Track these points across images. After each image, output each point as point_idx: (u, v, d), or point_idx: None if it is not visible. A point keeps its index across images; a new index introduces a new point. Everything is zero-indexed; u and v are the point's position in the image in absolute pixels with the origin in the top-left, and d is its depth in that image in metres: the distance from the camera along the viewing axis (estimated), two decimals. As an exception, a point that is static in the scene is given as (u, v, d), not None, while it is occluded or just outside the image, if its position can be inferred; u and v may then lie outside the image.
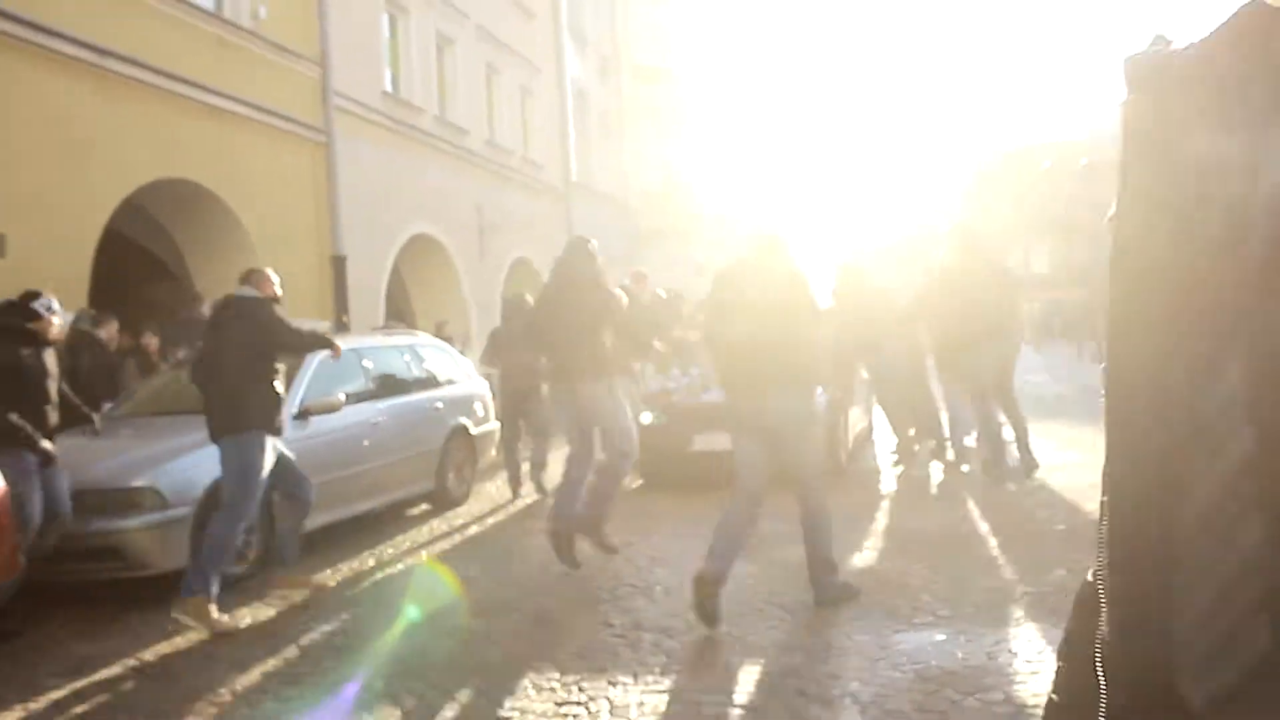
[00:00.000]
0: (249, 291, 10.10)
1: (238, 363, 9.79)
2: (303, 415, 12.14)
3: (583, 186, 36.88)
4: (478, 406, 16.61)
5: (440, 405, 15.56)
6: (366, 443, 13.38)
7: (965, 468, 15.35)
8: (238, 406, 9.73)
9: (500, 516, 14.60)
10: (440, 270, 27.28)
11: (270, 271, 10.39)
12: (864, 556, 10.46)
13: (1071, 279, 74.19)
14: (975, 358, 13.93)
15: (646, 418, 15.65)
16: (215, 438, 9.80)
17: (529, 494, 16.05)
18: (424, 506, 15.58)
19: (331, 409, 12.35)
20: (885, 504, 13.39)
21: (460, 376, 16.62)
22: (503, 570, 11.07)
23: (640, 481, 15.64)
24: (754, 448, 8.72)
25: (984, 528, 11.48)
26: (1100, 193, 55.53)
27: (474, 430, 16.25)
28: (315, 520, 11.81)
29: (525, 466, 16.44)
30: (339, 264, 21.86)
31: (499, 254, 30.12)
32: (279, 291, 10.30)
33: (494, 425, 16.98)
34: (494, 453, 17.04)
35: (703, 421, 15.34)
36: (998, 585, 9.04)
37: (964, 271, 13.96)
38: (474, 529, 13.75)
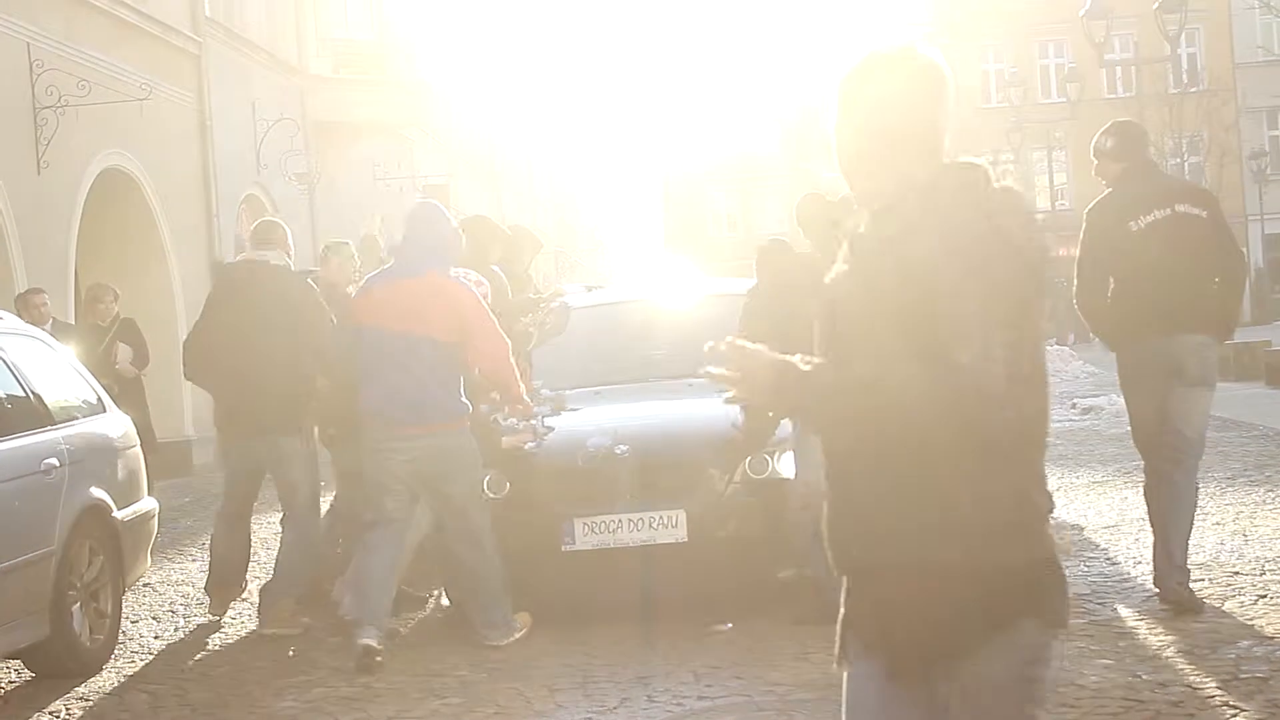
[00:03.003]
0: None
1: None
2: None
3: (224, 29, 23.19)
4: (123, 464, 8.34)
5: (54, 463, 7.38)
6: None
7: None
8: None
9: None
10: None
11: None
12: None
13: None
14: None
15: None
16: None
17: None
18: (17, 675, 7.87)
19: None
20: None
21: (82, 402, 8.32)
22: None
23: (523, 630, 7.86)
24: None
25: None
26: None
27: (119, 514, 7.99)
28: None
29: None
30: None
31: (69, 158, 17.85)
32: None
33: (153, 504, 8.73)
34: (148, 560, 8.77)
35: (589, 492, 8.12)
36: None
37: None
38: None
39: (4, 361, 7.56)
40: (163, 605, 9.55)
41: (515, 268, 11.11)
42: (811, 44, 55.21)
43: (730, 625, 7.68)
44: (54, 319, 13.05)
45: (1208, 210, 7.53)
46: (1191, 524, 7.56)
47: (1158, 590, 7.43)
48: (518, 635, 7.67)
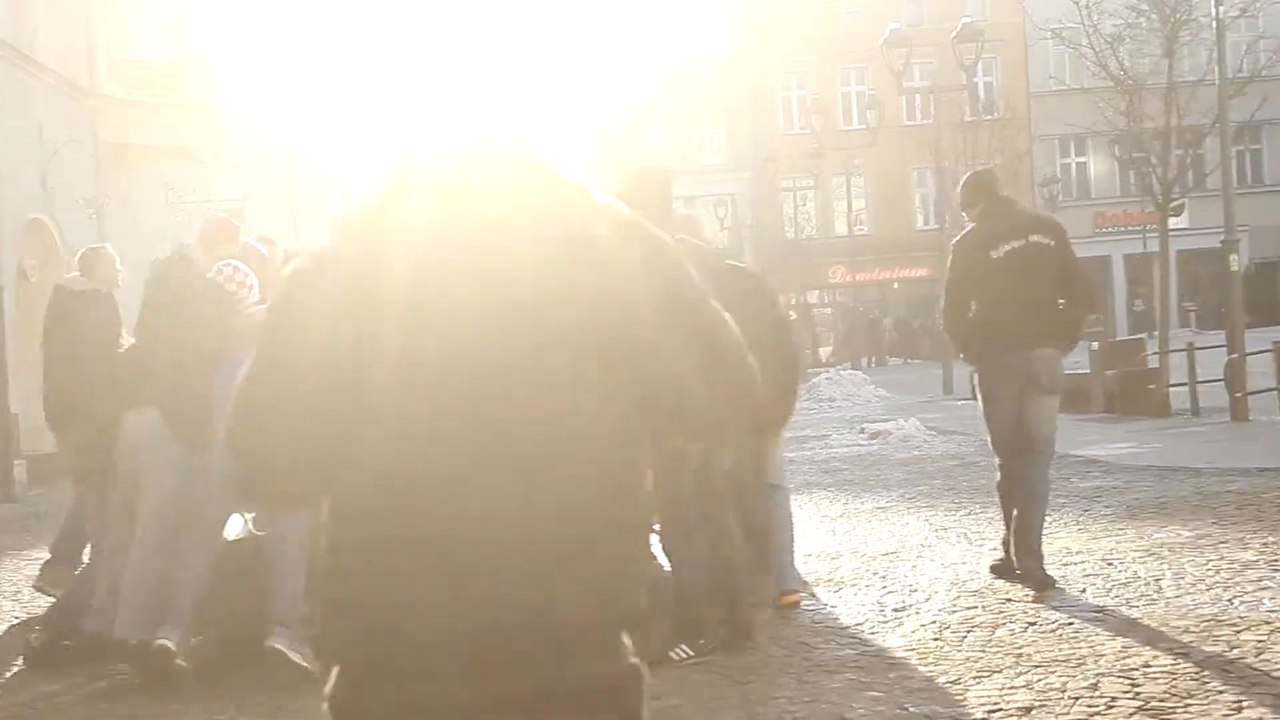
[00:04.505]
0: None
1: None
2: None
3: (6, 46, 22.58)
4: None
5: None
6: None
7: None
8: None
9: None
10: None
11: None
12: None
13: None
14: None
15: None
16: None
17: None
18: None
19: None
20: None
21: None
22: None
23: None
24: None
25: None
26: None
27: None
28: None
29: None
30: None
31: None
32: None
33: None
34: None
35: None
36: None
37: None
38: None
39: None
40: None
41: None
42: (617, 71, 55.10)
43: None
44: None
45: (1056, 240, 8.62)
46: (1044, 515, 8.69)
47: (1018, 571, 8.46)
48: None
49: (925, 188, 55.89)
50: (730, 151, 59.71)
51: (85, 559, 9.28)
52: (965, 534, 10.88)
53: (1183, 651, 6.79)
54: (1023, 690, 6.38)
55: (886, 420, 21.93)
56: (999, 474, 8.81)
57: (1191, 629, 7.22)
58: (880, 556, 10.14)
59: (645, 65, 55.41)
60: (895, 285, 59.69)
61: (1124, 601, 8.00)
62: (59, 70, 24.00)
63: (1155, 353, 24.33)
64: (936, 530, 11.18)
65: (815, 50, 57.49)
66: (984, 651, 7.16)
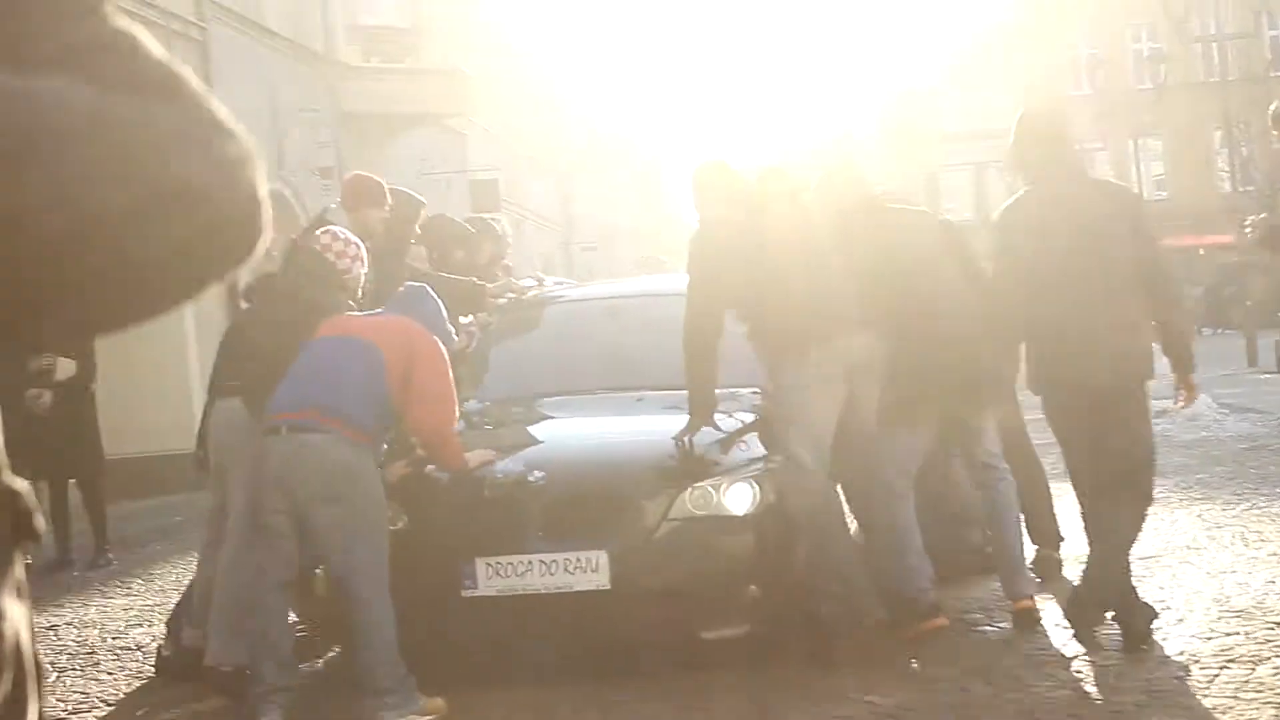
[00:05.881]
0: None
1: None
2: None
3: (234, 15, 21.36)
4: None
5: None
6: None
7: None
8: None
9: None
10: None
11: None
12: None
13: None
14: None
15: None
16: None
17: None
18: None
19: None
20: None
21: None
22: None
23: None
24: None
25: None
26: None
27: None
28: None
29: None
30: None
31: None
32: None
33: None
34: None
35: (492, 525, 6.69)
36: None
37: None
38: None
39: None
40: (50, 653, 8.23)
41: (475, 262, 9.85)
42: (901, 36, 53.68)
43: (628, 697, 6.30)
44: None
45: None
46: None
47: None
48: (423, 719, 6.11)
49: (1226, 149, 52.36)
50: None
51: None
52: (1242, 534, 9.10)
53: None
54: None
55: (1165, 398, 19.72)
56: None
57: None
58: (1135, 561, 8.34)
59: (930, 36, 53.68)
60: (1201, 252, 56.13)
61: None
62: (292, 38, 23.35)
63: None
64: (1209, 529, 9.38)
65: (1100, 6, 54.44)
66: (1236, 698, 5.52)
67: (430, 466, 6.78)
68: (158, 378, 17.45)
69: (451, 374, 6.45)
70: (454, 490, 6.76)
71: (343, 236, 6.83)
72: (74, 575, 10.91)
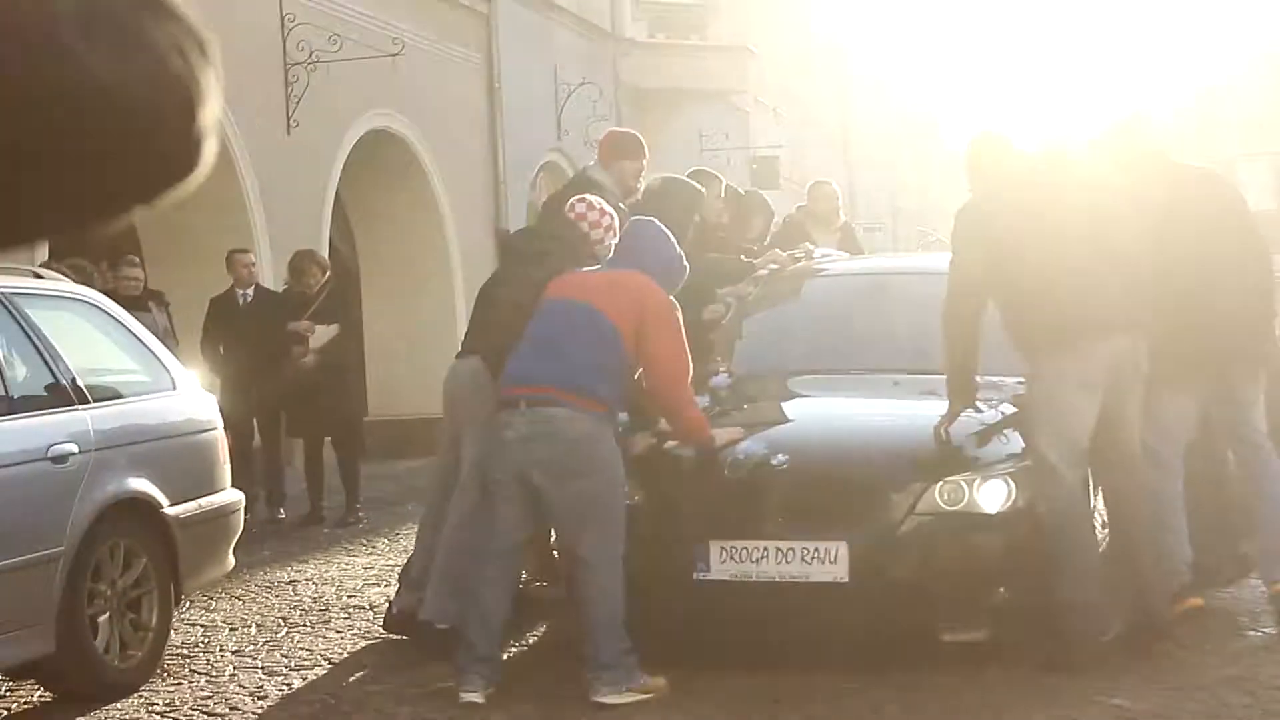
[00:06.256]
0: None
1: None
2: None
3: None
4: (187, 451, 7.18)
5: (71, 449, 6.28)
6: None
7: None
8: None
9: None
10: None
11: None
12: None
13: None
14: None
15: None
16: None
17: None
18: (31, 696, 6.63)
19: None
20: None
21: (137, 379, 7.22)
22: None
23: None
24: None
25: None
26: None
27: (173, 510, 6.75)
28: None
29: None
30: None
31: (324, 118, 16.29)
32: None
33: (235, 497, 7.51)
34: (228, 561, 7.47)
35: (729, 508, 6.43)
36: None
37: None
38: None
39: (24, 329, 6.44)
40: (284, 608, 8.29)
41: (745, 236, 9.68)
42: (1202, 26, 51.44)
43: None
44: (257, 285, 12.22)
45: None
46: None
47: None
48: (638, 698, 5.88)
49: None
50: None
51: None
52: None
53: None
54: None
55: None
56: None
57: None
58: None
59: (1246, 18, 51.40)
60: None
61: None
62: (577, 12, 23.45)
63: None
64: None
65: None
66: None
67: (671, 443, 6.56)
68: (427, 339, 17.70)
69: (683, 330, 6.21)
70: (693, 469, 6.52)
71: (599, 206, 6.69)
72: (324, 532, 11.05)
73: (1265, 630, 6.58)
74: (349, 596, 8.42)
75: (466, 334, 7.43)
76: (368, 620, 7.73)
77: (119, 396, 6.92)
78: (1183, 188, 6.79)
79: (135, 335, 7.35)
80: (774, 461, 6.39)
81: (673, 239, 6.52)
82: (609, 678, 5.82)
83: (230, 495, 7.45)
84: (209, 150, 0.95)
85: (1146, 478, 6.57)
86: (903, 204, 49.82)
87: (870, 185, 44.67)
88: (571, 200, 6.85)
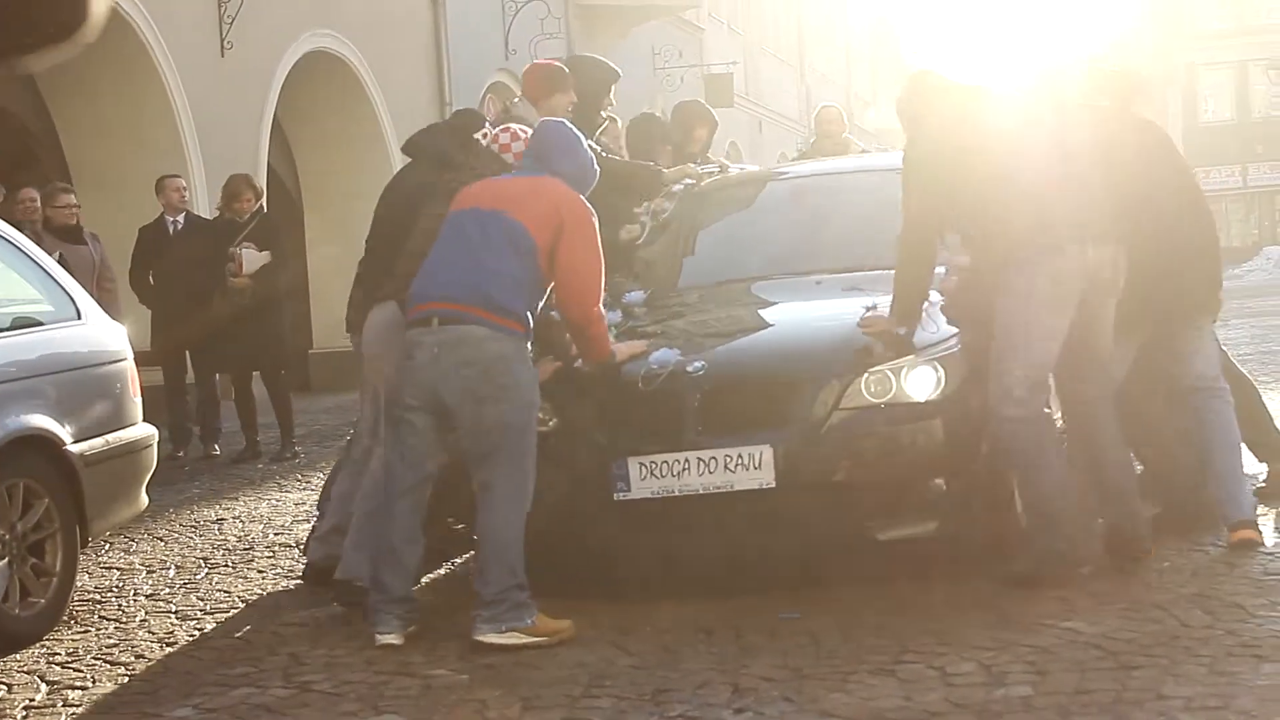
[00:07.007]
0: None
1: None
2: None
3: None
4: (93, 383, 6.90)
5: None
6: None
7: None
8: None
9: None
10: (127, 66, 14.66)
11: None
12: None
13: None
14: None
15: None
16: None
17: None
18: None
19: None
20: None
21: (37, 310, 6.94)
22: None
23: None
24: None
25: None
26: None
27: (77, 447, 6.51)
28: None
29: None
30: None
31: (263, 41, 16.05)
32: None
33: (146, 432, 7.19)
34: (141, 500, 7.18)
35: (646, 422, 6.26)
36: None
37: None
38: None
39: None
40: (207, 548, 8.01)
41: (687, 149, 9.52)
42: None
43: (798, 615, 5.73)
44: (188, 212, 11.89)
45: None
46: None
47: None
48: (524, 640, 5.53)
49: None
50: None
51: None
52: None
53: None
54: None
55: None
56: None
57: None
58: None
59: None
60: None
61: None
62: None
63: None
64: None
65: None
66: None
67: (580, 362, 6.27)
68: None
69: (600, 244, 5.91)
70: (605, 386, 6.27)
71: (524, 136, 6.35)
72: (258, 468, 10.79)
73: (1220, 544, 6.37)
74: (275, 534, 8.18)
75: (367, 267, 7.06)
76: (292, 559, 7.48)
77: (17, 327, 6.60)
78: (1117, 136, 6.53)
79: (36, 262, 7.02)
80: (690, 369, 6.15)
81: (583, 140, 6.18)
82: (489, 614, 5.50)
83: (141, 430, 7.14)
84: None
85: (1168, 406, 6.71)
86: (860, 121, 49.44)
87: (827, 101, 44.25)
88: (496, 130, 6.53)
